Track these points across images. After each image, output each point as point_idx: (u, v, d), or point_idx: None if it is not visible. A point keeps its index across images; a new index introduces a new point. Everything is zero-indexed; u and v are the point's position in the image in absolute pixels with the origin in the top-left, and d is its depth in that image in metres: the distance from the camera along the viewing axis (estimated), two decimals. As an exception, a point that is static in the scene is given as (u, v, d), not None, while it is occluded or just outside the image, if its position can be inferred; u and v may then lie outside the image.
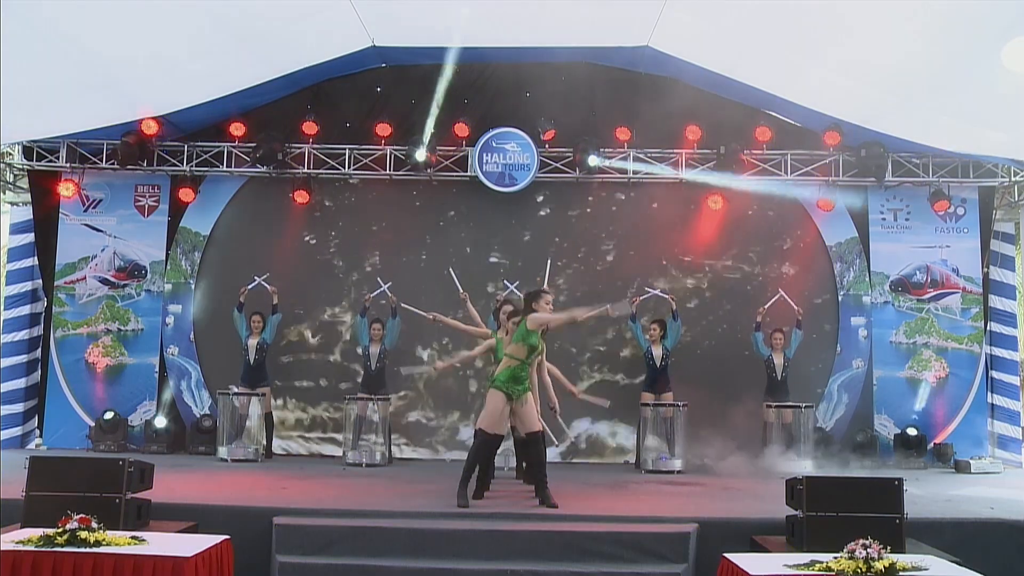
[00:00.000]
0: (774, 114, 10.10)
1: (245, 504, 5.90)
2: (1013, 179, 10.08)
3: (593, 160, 9.88)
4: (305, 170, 10.30)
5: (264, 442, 9.40)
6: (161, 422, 9.87)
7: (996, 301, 10.24)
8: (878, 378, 10.11)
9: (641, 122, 9.96)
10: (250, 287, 9.60)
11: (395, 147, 10.20)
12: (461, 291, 8.78)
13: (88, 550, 4.05)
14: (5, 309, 10.37)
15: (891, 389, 10.09)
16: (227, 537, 4.63)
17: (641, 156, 10.17)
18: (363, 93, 10.48)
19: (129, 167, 10.15)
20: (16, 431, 10.13)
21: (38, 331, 10.43)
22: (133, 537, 4.33)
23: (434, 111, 9.81)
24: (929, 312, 10.19)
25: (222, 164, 10.34)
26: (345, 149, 10.33)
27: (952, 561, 4.55)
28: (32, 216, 10.42)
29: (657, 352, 9.26)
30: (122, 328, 10.38)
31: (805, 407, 9.07)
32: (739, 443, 8.88)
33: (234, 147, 10.32)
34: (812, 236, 10.31)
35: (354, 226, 10.48)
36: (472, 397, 10.05)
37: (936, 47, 7.35)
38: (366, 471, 8.51)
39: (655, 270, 10.27)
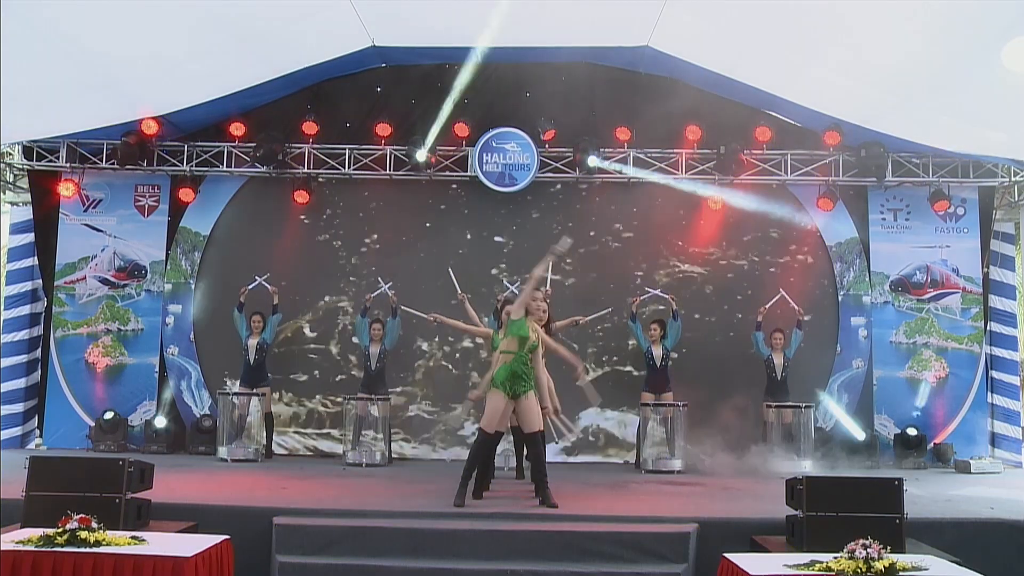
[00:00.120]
0: (774, 114, 10.10)
1: (245, 504, 5.91)
2: (1013, 179, 10.08)
3: (593, 160, 9.88)
4: (305, 170, 10.30)
5: (264, 442, 9.40)
6: (161, 422, 9.87)
7: (996, 301, 10.24)
8: (878, 378, 10.11)
9: (641, 122, 9.96)
10: (250, 287, 9.61)
11: (395, 147, 10.20)
12: (459, 292, 8.77)
13: (88, 550, 4.05)
14: (5, 309, 10.37)
15: (891, 389, 10.09)
16: (227, 537, 4.63)
17: (641, 156, 10.17)
18: (363, 93, 10.49)
19: (129, 167, 10.15)
20: (16, 431, 10.13)
21: (38, 331, 10.43)
22: (133, 537, 4.33)
23: (444, 112, 9.82)
24: (929, 312, 10.20)
25: (222, 164, 10.34)
26: (345, 149, 10.33)
27: (952, 561, 4.55)
28: (32, 216, 10.42)
29: (657, 352, 9.26)
30: (122, 328, 10.38)
31: (805, 407, 9.08)
32: (739, 443, 8.89)
33: (234, 147, 10.32)
34: (812, 236, 10.31)
35: (354, 226, 10.48)
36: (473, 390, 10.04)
37: (936, 47, 7.35)
38: (366, 471, 8.52)
39: (655, 270, 10.27)
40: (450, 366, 10.21)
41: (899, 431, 9.78)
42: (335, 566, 5.19)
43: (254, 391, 9.38)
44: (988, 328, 10.17)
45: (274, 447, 9.79)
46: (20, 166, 10.42)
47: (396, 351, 9.79)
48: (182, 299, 10.42)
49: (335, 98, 10.46)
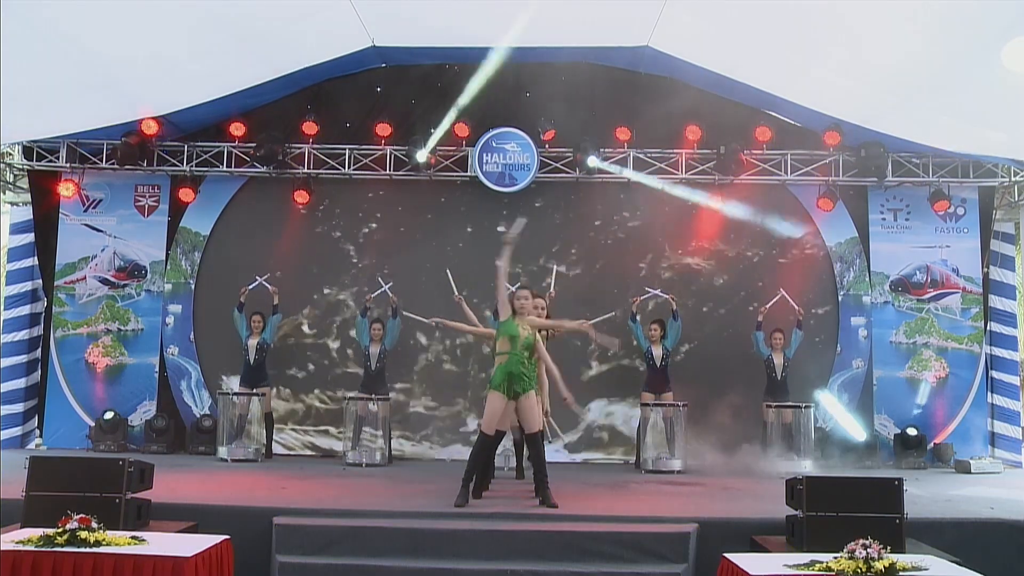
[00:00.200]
0: (774, 114, 10.10)
1: (245, 504, 5.90)
2: (1013, 179, 10.08)
3: (593, 160, 9.88)
4: (305, 170, 10.30)
5: (264, 442, 9.40)
6: (161, 422, 9.86)
7: (996, 301, 10.24)
8: (878, 378, 10.11)
9: (641, 122, 9.96)
10: (250, 287, 9.61)
11: (395, 147, 10.20)
12: (456, 293, 8.75)
13: (88, 550, 4.05)
14: (5, 309, 10.37)
15: (891, 389, 10.09)
16: (227, 537, 4.63)
17: (641, 156, 10.17)
18: (363, 93, 10.48)
19: (129, 167, 10.15)
20: (16, 431, 10.13)
21: (38, 331, 10.43)
22: (133, 537, 4.33)
23: (451, 114, 9.81)
24: (929, 312, 10.20)
25: (222, 164, 10.34)
26: (345, 149, 10.33)
27: (952, 561, 4.54)
28: (32, 216, 10.42)
29: (657, 352, 9.26)
30: (122, 328, 10.38)
31: (805, 407, 9.08)
32: (739, 443, 8.89)
33: (234, 147, 10.31)
34: (812, 236, 10.31)
35: (353, 226, 10.48)
36: (474, 386, 10.04)
37: (936, 47, 7.35)
38: (366, 471, 8.52)
39: (655, 270, 10.27)
40: (450, 362, 10.21)
41: (899, 431, 9.78)
42: (335, 566, 5.19)
43: (254, 391, 9.38)
44: (988, 328, 10.17)
45: (272, 444, 9.78)
46: (20, 166, 10.42)
47: (396, 348, 9.77)
48: (182, 299, 10.42)
49: (335, 98, 10.46)
